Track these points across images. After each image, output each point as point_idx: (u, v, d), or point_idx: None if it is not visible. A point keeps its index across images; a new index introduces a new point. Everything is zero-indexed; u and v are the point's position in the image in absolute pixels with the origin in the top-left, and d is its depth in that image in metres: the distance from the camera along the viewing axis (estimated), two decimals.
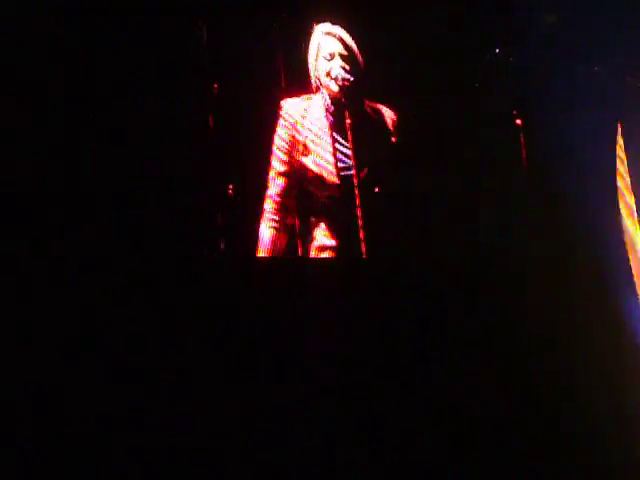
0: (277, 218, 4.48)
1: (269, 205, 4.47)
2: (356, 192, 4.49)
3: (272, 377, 4.24)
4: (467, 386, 4.67)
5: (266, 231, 4.45)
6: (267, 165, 4.52)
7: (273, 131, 4.56)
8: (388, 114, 4.80)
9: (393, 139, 4.75)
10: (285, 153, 4.50)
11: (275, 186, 4.47)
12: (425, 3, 5.04)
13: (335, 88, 4.59)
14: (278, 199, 4.46)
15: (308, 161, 4.54)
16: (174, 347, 4.03)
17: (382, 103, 4.81)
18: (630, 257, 5.62)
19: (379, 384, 4.46)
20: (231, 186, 4.42)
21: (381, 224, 4.64)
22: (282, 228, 4.49)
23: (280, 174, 4.48)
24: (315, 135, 4.58)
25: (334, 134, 4.60)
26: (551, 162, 5.32)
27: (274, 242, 4.46)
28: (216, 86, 4.46)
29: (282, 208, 4.48)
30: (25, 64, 4.04)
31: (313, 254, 4.57)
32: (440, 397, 4.60)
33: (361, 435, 4.34)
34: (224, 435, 4.03)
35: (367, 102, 4.76)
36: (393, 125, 4.77)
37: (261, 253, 4.42)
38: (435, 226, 4.82)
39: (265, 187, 4.50)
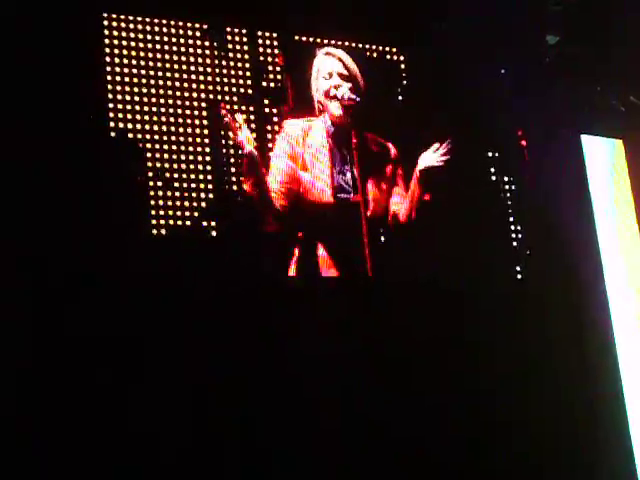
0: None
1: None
2: (362, 213, 4.48)
3: (274, 395, 4.23)
4: (476, 404, 4.68)
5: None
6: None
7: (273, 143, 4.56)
8: (389, 145, 4.79)
9: (391, 166, 4.75)
10: (286, 158, 4.49)
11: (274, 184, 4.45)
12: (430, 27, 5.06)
13: (336, 109, 4.57)
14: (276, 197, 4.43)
15: (306, 176, 4.53)
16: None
17: (384, 137, 4.81)
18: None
19: (381, 400, 4.47)
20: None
21: (385, 245, 4.65)
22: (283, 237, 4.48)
23: (278, 175, 4.46)
24: (314, 153, 4.57)
25: (333, 156, 4.59)
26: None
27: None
28: (223, 105, 4.46)
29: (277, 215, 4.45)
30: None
31: (316, 269, 4.55)
32: (444, 414, 4.60)
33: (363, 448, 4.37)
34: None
35: (369, 135, 4.75)
36: (393, 155, 4.77)
37: None
38: (439, 246, 4.82)
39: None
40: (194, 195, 4.36)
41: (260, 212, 4.39)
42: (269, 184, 4.41)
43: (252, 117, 4.56)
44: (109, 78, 4.28)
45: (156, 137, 4.33)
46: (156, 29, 4.43)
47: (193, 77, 4.47)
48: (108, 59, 4.30)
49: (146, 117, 4.32)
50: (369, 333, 4.54)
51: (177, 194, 4.32)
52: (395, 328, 4.61)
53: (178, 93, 4.42)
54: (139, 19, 4.40)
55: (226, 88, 4.53)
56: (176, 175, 4.34)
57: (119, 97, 4.28)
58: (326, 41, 4.77)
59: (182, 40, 4.47)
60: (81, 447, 3.74)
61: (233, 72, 4.57)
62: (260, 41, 4.67)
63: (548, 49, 5.56)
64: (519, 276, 5.10)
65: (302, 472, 4.18)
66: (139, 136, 4.30)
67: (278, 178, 4.46)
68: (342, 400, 4.36)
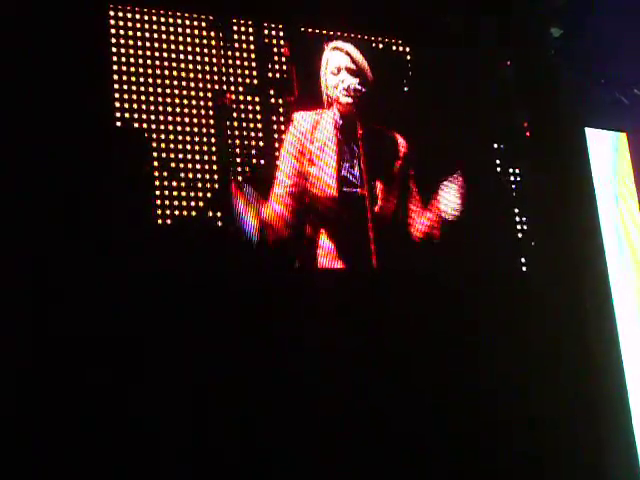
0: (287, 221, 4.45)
1: (278, 207, 4.44)
2: (368, 206, 4.50)
3: (275, 389, 4.24)
4: (477, 396, 4.69)
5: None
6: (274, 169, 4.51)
7: (282, 138, 4.55)
8: (398, 139, 4.78)
9: (401, 162, 4.74)
10: (293, 159, 4.49)
11: (282, 188, 4.44)
12: (436, 19, 5.05)
13: (344, 100, 4.58)
14: (286, 202, 4.43)
15: (312, 171, 4.54)
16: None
17: (393, 129, 4.80)
18: None
19: (383, 394, 4.47)
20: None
21: (390, 237, 4.66)
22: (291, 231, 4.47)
23: (288, 178, 4.46)
24: (321, 147, 4.57)
25: (340, 149, 4.59)
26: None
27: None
28: (229, 95, 4.47)
29: (290, 212, 4.44)
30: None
31: (320, 261, 4.55)
32: (447, 409, 4.62)
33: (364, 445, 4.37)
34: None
35: (378, 126, 4.75)
36: (403, 150, 4.76)
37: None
38: (444, 237, 4.82)
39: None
40: (199, 185, 4.36)
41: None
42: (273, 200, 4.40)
43: (258, 108, 4.55)
44: (115, 68, 4.27)
45: (162, 127, 4.33)
46: (162, 20, 4.42)
47: (198, 67, 4.46)
48: (114, 50, 4.29)
49: (152, 107, 4.32)
50: (373, 326, 4.55)
51: (182, 184, 4.32)
52: (400, 320, 4.62)
53: (184, 83, 4.41)
54: (145, 10, 4.39)
55: (232, 79, 4.53)
56: (181, 165, 4.34)
57: (125, 87, 4.28)
58: (332, 33, 4.77)
59: (188, 30, 4.47)
60: (81, 447, 3.74)
61: (239, 63, 4.57)
62: (266, 32, 4.67)
63: (552, 42, 5.56)
64: (523, 268, 5.11)
65: (303, 469, 4.18)
66: (144, 126, 4.29)
67: (286, 182, 4.45)
68: (344, 395, 4.36)
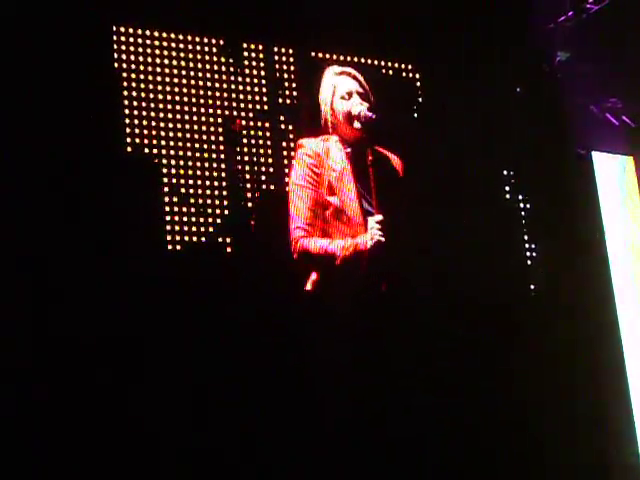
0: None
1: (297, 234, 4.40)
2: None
3: (277, 389, 4.22)
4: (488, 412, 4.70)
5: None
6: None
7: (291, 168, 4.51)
8: (396, 160, 4.75)
9: (403, 182, 4.72)
10: (312, 188, 4.43)
11: (303, 219, 4.39)
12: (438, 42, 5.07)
13: (357, 127, 4.52)
14: (306, 231, 4.39)
15: (333, 199, 4.47)
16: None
17: (389, 150, 4.77)
18: None
19: (393, 414, 4.46)
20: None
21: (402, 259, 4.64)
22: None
23: (308, 208, 4.41)
24: (339, 177, 4.50)
25: (356, 178, 4.52)
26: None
27: None
28: (238, 121, 4.47)
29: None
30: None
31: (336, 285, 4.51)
32: (455, 428, 4.61)
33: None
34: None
35: (385, 152, 4.74)
36: (402, 171, 4.74)
37: None
38: (455, 263, 4.82)
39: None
40: (209, 211, 4.36)
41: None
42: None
43: (268, 134, 4.55)
44: (125, 94, 4.29)
45: (171, 152, 4.34)
46: (173, 45, 4.44)
47: (209, 93, 4.47)
48: (124, 75, 4.31)
49: (162, 133, 4.33)
50: (382, 344, 4.53)
51: (192, 210, 4.32)
52: (409, 342, 4.60)
53: (194, 109, 4.42)
54: (156, 34, 4.41)
55: (242, 104, 4.54)
56: (191, 190, 4.34)
57: (135, 113, 4.29)
58: (342, 58, 4.77)
59: (198, 56, 4.48)
60: (81, 447, 3.73)
61: (249, 88, 4.57)
62: (276, 57, 4.67)
63: (559, 65, 5.57)
64: (533, 294, 5.12)
65: (303, 469, 4.13)
66: (154, 151, 4.30)
67: (305, 213, 4.39)
68: (344, 396, 4.33)
